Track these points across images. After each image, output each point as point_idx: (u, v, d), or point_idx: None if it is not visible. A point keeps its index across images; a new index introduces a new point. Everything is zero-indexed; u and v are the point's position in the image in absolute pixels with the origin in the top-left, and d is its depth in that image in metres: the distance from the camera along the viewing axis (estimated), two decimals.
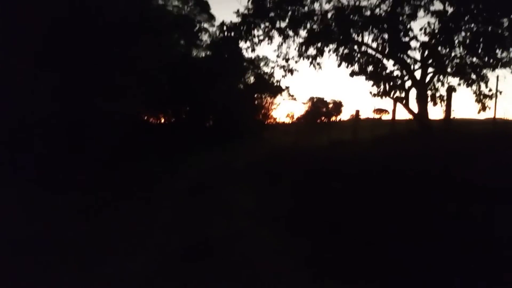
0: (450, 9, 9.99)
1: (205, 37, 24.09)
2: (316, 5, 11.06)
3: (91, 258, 4.66)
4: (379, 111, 30.14)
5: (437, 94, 10.79)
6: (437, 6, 10.04)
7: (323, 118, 32.22)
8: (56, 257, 4.66)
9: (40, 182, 8.10)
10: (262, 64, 26.18)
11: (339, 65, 10.90)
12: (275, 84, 27.19)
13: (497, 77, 11.40)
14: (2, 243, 4.96)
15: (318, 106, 32.45)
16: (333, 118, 32.44)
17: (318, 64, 11.66)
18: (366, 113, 26.23)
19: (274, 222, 6.20)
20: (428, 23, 9.94)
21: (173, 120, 24.33)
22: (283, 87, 29.06)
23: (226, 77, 24.90)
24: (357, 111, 18.26)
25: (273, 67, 25.97)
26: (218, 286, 4.13)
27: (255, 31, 11.51)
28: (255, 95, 27.77)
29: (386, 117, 27.99)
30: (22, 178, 8.13)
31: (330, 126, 30.30)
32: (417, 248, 4.66)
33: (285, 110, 39.48)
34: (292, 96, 30.15)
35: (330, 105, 32.51)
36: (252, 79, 27.07)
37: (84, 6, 12.36)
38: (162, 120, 24.73)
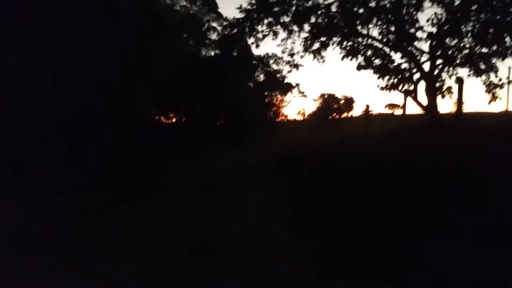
0: None
1: (213, 36, 24.05)
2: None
3: (95, 258, 4.66)
4: (392, 106, 29.76)
5: (445, 86, 10.53)
6: None
7: (334, 114, 31.83)
8: (58, 256, 4.67)
9: (42, 182, 8.14)
10: (271, 61, 26.03)
11: (342, 58, 10.77)
12: (285, 81, 27.10)
13: (509, 68, 11.11)
14: (2, 242, 4.99)
15: (329, 103, 32.03)
16: (345, 114, 32.03)
17: (322, 57, 11.56)
18: (379, 108, 25.95)
19: (285, 220, 6.12)
20: (435, 13, 9.73)
21: (184, 120, 24.40)
22: (294, 84, 28.91)
23: (236, 75, 24.87)
24: (367, 106, 18.03)
25: (282, 64, 25.80)
26: (227, 283, 4.10)
27: (259, 26, 11.42)
28: (266, 93, 27.65)
29: (399, 112, 27.67)
30: (22, 178, 8.18)
31: (342, 122, 29.94)
32: (430, 241, 4.62)
33: (296, 107, 39.24)
34: (303, 93, 29.96)
35: (342, 101, 32.04)
36: (262, 77, 26.96)
37: (89, 5, 12.40)
38: (174, 120, 24.82)
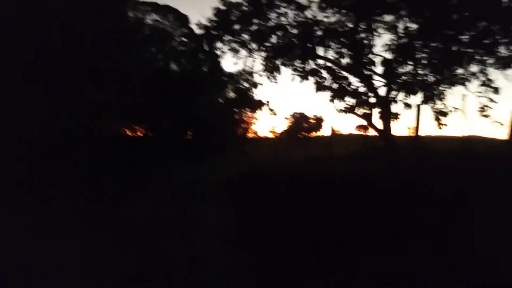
0: (413, 26, 10.03)
1: (184, 51, 23.98)
2: (283, 19, 11.03)
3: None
4: (361, 127, 30.31)
5: (399, 111, 10.77)
6: (400, 24, 10.08)
7: (304, 133, 32.19)
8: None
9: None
10: (241, 79, 26.10)
11: (292, 79, 10.87)
12: (255, 98, 27.22)
13: (463, 95, 11.44)
14: None
15: (299, 122, 32.43)
16: (314, 133, 32.43)
17: (275, 78, 11.65)
18: (350, 129, 26.38)
19: (236, 241, 5.93)
20: (391, 40, 9.96)
21: (150, 134, 24.02)
22: (264, 102, 29.04)
23: (206, 91, 24.82)
24: (332, 128, 18.32)
25: (253, 82, 25.93)
26: None
27: (219, 43, 11.41)
28: (235, 109, 27.65)
29: (372, 132, 28.24)
30: None
31: (310, 141, 30.26)
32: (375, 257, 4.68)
33: (268, 124, 39.53)
34: (273, 110, 30.09)
35: (312, 121, 32.51)
36: (231, 93, 26.98)
37: (54, 20, 12.17)
38: (140, 134, 24.40)
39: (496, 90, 10.00)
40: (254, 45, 11.31)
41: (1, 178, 8.94)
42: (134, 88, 20.36)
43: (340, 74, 10.71)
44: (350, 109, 10.60)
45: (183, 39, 23.95)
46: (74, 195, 9.32)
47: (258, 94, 35.99)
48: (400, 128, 28.00)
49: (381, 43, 13.25)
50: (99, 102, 15.41)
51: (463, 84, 9.91)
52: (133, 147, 21.65)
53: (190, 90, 22.88)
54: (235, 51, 11.59)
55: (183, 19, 24.22)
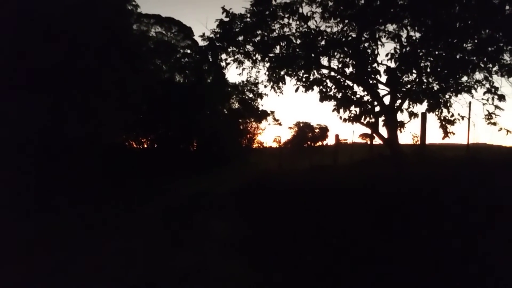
0: (416, 35, 10.06)
1: (188, 63, 24.18)
2: (286, 30, 11.11)
3: None
4: (365, 135, 30.24)
5: (405, 120, 10.71)
6: (403, 33, 10.11)
7: (309, 142, 32.18)
8: None
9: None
10: (246, 89, 26.24)
11: (296, 90, 10.87)
12: (260, 108, 27.35)
13: (470, 103, 11.38)
14: None
15: (304, 131, 32.46)
16: (319, 143, 32.41)
17: (280, 88, 11.67)
18: (354, 138, 26.29)
19: (244, 255, 5.87)
20: (394, 48, 9.97)
21: (155, 145, 24.12)
22: (269, 112, 29.16)
23: (210, 102, 24.94)
24: (337, 136, 18.31)
25: (257, 93, 26.05)
26: None
27: (223, 55, 11.47)
28: (240, 120, 27.75)
29: (377, 141, 28.23)
30: None
31: (315, 150, 30.24)
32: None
33: (272, 134, 39.68)
34: (278, 121, 30.20)
35: (316, 130, 32.53)
36: (236, 104, 27.10)
37: (58, 30, 12.33)
38: (145, 145, 24.51)
39: (502, 97, 9.96)
40: (258, 56, 11.37)
41: (5, 184, 9.00)
42: (139, 99, 20.53)
43: (344, 83, 10.71)
44: (355, 118, 10.56)
45: (187, 50, 24.18)
46: (78, 203, 9.36)
47: (262, 104, 36.21)
48: (406, 136, 27.95)
49: (385, 52, 13.33)
50: (104, 112, 15.53)
51: (468, 91, 9.89)
52: (138, 158, 21.76)
53: (195, 101, 23.01)
54: (239, 62, 11.64)
55: (186, 31, 24.49)
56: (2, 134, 10.67)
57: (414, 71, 9.83)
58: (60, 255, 5.67)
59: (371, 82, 10.47)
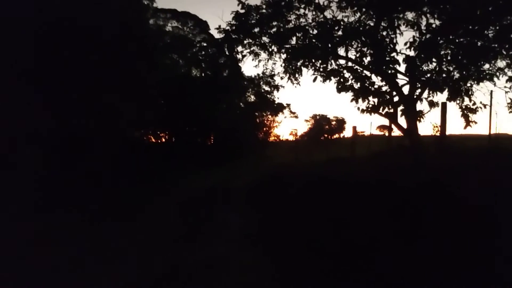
0: (436, 22, 9.83)
1: (205, 56, 24.25)
2: (302, 20, 10.98)
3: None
4: (382, 127, 29.87)
5: (424, 110, 10.51)
6: (423, 20, 9.90)
7: (326, 135, 31.97)
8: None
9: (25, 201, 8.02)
10: (262, 82, 26.19)
11: (314, 80, 10.74)
12: (276, 101, 27.28)
13: (491, 92, 11.11)
14: None
15: (321, 124, 32.25)
16: (336, 135, 32.17)
17: (297, 79, 11.56)
18: (372, 129, 26.00)
19: (260, 247, 5.90)
20: (413, 37, 9.77)
21: (173, 139, 24.34)
22: (285, 105, 29.06)
23: (227, 95, 25.01)
24: (354, 128, 18.11)
25: (274, 85, 25.96)
26: None
27: (239, 47, 11.42)
28: (256, 113, 27.74)
29: (396, 132, 27.98)
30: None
31: (332, 143, 30.02)
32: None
33: (288, 127, 39.55)
34: (294, 113, 30.07)
35: (333, 122, 32.27)
36: (252, 97, 27.09)
37: (75, 27, 12.50)
38: (163, 140, 24.76)
39: None
40: (274, 47, 11.28)
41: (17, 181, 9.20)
42: (156, 94, 20.72)
43: (362, 73, 10.55)
44: (373, 109, 10.39)
45: (204, 44, 24.24)
46: (94, 198, 9.53)
47: (278, 97, 36.13)
48: (426, 127, 27.49)
49: (404, 41, 13.05)
50: (121, 107, 15.71)
51: (490, 80, 9.64)
52: (155, 152, 22.01)
53: (211, 94, 23.12)
54: (255, 54, 11.58)
55: (202, 25, 24.55)
56: (18, 129, 10.88)
57: (434, 59, 9.62)
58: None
59: (389, 71, 10.29)
